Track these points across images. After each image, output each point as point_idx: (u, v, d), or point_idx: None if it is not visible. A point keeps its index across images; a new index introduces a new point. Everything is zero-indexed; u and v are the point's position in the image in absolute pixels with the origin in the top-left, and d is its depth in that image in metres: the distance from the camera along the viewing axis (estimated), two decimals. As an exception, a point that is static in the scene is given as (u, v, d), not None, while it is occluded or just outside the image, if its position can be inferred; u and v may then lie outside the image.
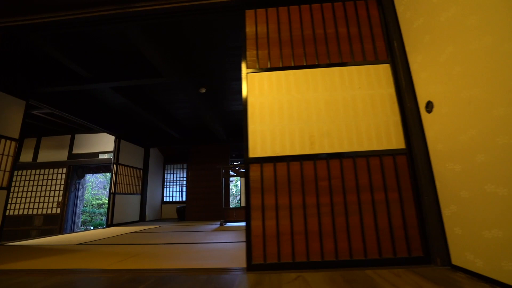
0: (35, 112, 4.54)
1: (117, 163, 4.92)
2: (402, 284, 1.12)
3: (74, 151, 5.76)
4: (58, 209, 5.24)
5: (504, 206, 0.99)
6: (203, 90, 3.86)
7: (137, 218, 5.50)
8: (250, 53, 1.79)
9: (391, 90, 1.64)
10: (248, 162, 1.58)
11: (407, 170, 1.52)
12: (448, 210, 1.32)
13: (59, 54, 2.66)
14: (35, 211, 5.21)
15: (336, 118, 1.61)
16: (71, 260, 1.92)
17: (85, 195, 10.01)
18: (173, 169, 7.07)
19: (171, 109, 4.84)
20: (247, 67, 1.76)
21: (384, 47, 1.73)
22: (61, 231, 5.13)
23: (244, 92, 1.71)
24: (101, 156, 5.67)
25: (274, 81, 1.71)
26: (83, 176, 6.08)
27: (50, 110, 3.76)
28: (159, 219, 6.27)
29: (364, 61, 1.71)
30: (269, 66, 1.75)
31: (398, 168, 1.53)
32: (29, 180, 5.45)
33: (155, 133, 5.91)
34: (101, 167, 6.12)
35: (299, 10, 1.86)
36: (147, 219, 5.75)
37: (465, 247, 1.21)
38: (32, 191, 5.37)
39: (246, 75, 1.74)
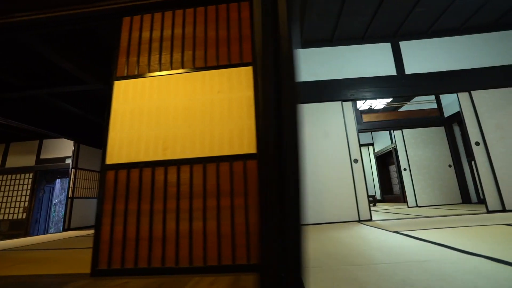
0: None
1: (75, 167, 5.00)
2: (199, 292, 1.11)
3: (42, 156, 5.86)
4: (24, 214, 5.35)
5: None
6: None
7: (102, 222, 5.56)
8: (121, 60, 1.80)
9: (250, 93, 1.63)
10: (105, 169, 1.59)
11: (256, 175, 1.51)
12: (274, 216, 1.30)
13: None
14: (1, 217, 5.33)
15: (192, 124, 1.61)
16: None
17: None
18: (145, 172, 7.12)
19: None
20: (116, 74, 1.77)
21: (250, 49, 1.72)
22: (26, 236, 5.23)
23: (110, 100, 1.72)
24: (67, 161, 5.76)
25: (139, 87, 1.72)
26: (53, 181, 6.19)
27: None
28: (128, 222, 6.33)
29: (229, 64, 1.70)
30: (136, 73, 1.76)
31: (247, 173, 1.51)
32: (-4, 186, 5.59)
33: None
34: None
35: (172, 16, 1.86)
36: (113, 222, 5.82)
37: (274, 253, 1.19)
38: (-1, 196, 5.50)
39: (114, 83, 1.75)
